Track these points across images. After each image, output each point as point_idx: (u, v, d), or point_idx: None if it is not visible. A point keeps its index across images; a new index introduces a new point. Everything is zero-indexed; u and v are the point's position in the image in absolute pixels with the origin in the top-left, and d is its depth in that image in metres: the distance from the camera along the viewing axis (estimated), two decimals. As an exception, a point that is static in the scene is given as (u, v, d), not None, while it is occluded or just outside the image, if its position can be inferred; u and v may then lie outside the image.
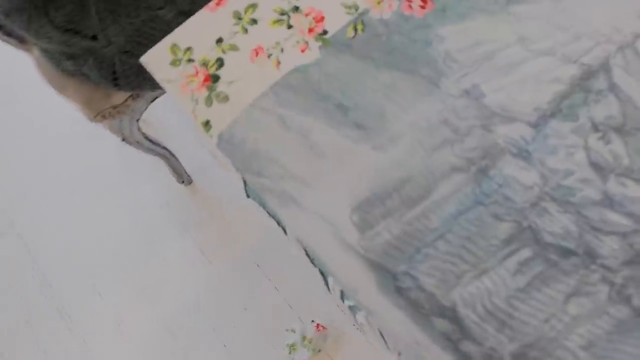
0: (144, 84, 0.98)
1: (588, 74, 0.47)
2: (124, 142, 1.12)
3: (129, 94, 0.96)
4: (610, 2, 0.49)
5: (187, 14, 0.88)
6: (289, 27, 0.51)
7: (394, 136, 0.47)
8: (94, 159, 1.30)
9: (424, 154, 0.46)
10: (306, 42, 0.50)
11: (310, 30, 0.50)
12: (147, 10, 0.84)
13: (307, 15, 0.51)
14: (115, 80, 0.96)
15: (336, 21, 0.50)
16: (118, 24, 0.83)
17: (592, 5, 0.49)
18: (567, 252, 0.42)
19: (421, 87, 0.48)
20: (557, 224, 0.43)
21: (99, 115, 1.01)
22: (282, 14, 0.51)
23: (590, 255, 0.42)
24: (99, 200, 1.25)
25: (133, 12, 0.83)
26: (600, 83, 0.46)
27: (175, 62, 0.51)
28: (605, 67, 0.47)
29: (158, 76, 0.50)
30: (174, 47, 0.52)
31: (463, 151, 0.45)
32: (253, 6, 0.52)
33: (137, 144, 1.06)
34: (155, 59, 0.51)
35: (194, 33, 0.52)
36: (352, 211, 0.45)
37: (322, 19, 0.50)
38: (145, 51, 0.96)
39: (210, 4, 0.53)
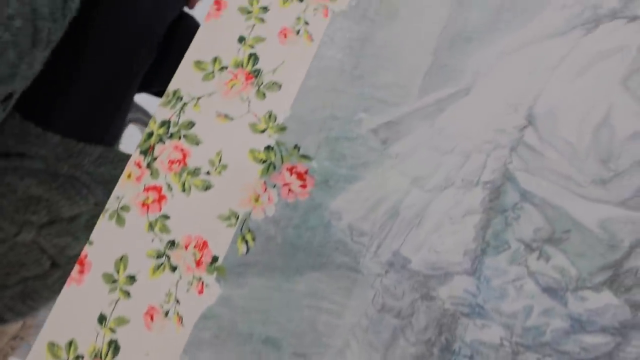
0: (35, 304, 0.84)
1: (495, 192, 0.42)
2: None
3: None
4: (480, 103, 0.45)
5: (48, 225, 0.77)
6: (173, 269, 0.42)
7: (341, 350, 0.40)
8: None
9: (379, 357, 0.39)
10: (200, 280, 0.42)
11: (198, 263, 0.42)
12: (2, 244, 0.72)
13: (187, 247, 0.43)
14: (1, 317, 0.82)
15: (221, 241, 0.43)
16: (-25, 271, 0.70)
17: (464, 114, 0.45)
18: (567, 402, 0.37)
19: (342, 280, 0.41)
20: (543, 374, 0.38)
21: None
22: (159, 256, 0.42)
23: (590, 394, 0.37)
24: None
25: (-13, 253, 0.70)
26: (511, 196, 0.42)
27: (61, 366, 0.41)
28: (507, 176, 0.43)
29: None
30: (53, 348, 0.41)
31: (417, 335, 0.39)
32: (123, 260, 0.43)
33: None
34: (37, 371, 0.41)
35: (66, 315, 0.42)
36: None
37: (205, 244, 0.42)
38: (19, 277, 0.82)
39: (74, 275, 0.43)
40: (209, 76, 0.51)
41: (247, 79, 0.50)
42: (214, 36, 0.52)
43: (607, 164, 0.45)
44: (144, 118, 1.14)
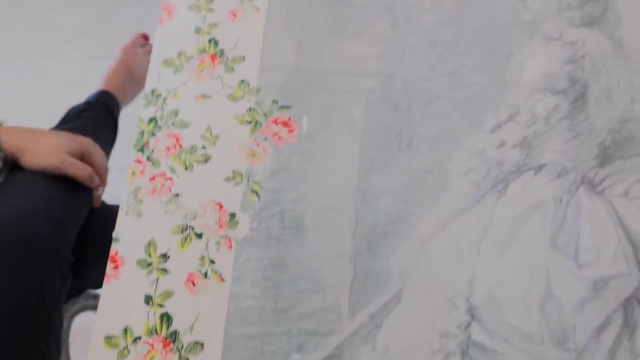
0: None
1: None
2: None
3: None
4: (416, 307, 0.42)
5: None
6: None
7: None
8: None
9: None
10: None
11: None
12: None
13: None
14: None
15: None
16: None
17: (403, 325, 0.42)
18: None
19: None
20: None
21: None
22: None
23: None
24: None
25: None
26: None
27: None
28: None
29: None
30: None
31: None
32: None
33: None
34: None
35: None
36: None
37: None
38: None
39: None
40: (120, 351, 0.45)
41: (164, 346, 0.45)
42: (118, 300, 0.47)
43: (566, 345, 0.41)
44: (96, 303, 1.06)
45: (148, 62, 0.64)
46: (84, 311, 1.08)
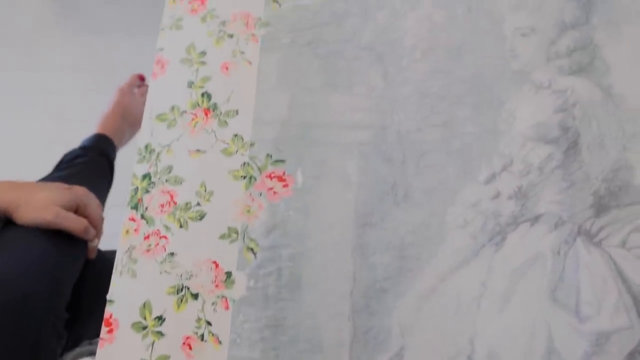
0: None
1: None
2: None
3: None
4: None
5: None
6: None
7: None
8: None
9: None
10: None
11: None
12: None
13: None
14: None
15: None
16: None
17: None
18: None
19: None
20: None
21: None
22: None
23: None
24: None
25: None
26: None
27: None
28: None
29: None
30: None
31: None
32: None
33: None
34: None
35: None
36: None
37: None
38: None
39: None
40: None
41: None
42: (113, 364, 0.46)
43: (571, 403, 0.40)
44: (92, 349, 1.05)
45: (144, 103, 0.63)
46: (81, 358, 1.06)
